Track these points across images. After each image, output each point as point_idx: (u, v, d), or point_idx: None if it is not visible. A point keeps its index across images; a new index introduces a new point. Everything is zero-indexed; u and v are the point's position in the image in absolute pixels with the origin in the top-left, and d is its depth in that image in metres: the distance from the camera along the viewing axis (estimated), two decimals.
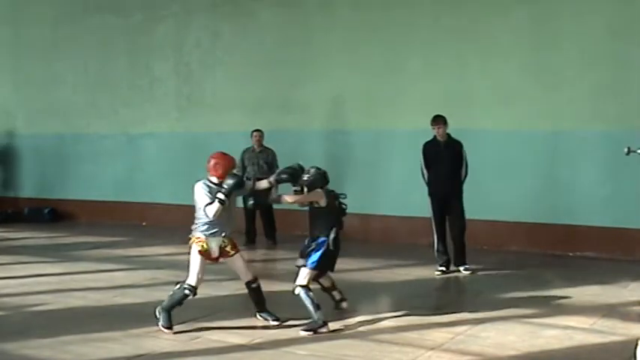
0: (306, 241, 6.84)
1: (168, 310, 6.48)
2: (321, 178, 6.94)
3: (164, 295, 7.46)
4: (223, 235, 6.62)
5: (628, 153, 7.22)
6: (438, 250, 9.18)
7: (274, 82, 12.61)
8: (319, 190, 6.84)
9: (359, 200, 11.98)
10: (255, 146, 11.42)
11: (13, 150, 15.59)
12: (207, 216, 6.45)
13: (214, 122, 13.13)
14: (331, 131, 12.16)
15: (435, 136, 9.11)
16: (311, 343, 6.09)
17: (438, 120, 9.05)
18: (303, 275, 6.68)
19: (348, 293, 8.11)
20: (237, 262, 6.79)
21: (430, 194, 9.17)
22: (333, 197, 6.91)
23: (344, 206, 7.00)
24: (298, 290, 6.62)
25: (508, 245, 10.61)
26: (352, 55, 11.90)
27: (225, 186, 6.46)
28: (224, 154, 6.83)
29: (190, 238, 6.60)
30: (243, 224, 11.45)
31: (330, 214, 6.84)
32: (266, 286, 8.58)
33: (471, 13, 11.02)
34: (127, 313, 7.08)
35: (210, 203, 6.44)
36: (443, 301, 8.14)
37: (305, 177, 6.81)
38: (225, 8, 13.14)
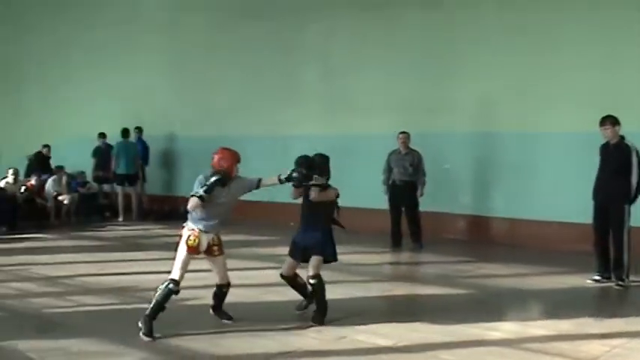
0: (317, 234, 6.73)
1: (153, 317, 6.26)
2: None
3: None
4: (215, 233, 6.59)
5: None
6: (596, 258, 8.72)
7: (420, 83, 12.47)
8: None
9: (508, 204, 11.71)
10: (401, 148, 11.33)
11: (172, 152, 16.30)
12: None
13: (361, 125, 13.15)
14: (479, 133, 11.89)
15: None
16: (458, 349, 5.94)
17: (605, 121, 8.55)
18: (317, 264, 6.66)
19: (498, 299, 7.91)
20: (219, 263, 6.77)
21: (593, 198, 8.71)
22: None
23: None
24: (315, 281, 6.58)
25: None
26: (500, 55, 11.57)
27: (207, 183, 6.40)
28: (227, 148, 6.67)
29: (184, 227, 6.55)
30: (389, 226, 11.40)
31: (332, 207, 6.83)
32: (410, 290, 8.54)
33: (626, 5, 10.41)
34: (276, 311, 7.18)
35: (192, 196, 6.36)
36: (598, 311, 7.71)
37: (317, 177, 6.63)
38: (372, 12, 13.13)
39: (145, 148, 15.75)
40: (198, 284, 8.34)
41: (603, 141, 8.66)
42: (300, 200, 6.94)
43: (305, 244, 6.78)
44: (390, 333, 6.35)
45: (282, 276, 7.03)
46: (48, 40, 18.12)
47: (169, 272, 9.06)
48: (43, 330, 6.50)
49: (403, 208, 11.33)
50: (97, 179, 16.01)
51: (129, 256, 10.59)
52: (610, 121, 8.53)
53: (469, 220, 11.99)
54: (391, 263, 10.48)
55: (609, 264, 8.60)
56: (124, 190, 15.25)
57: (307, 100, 14.01)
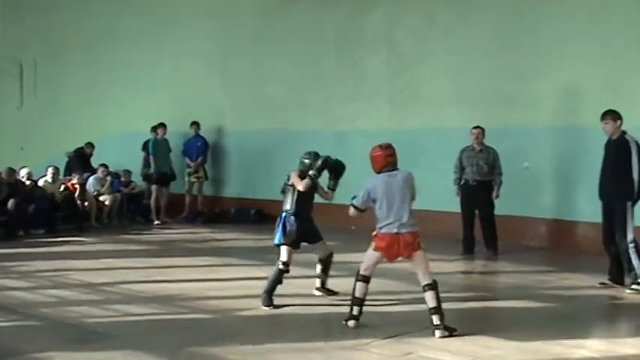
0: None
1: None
2: None
3: (382, 307, 7.55)
4: None
5: None
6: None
7: (497, 73, 12.33)
8: None
9: (595, 208, 11.40)
10: (475, 145, 11.23)
11: (222, 148, 16.45)
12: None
13: (429, 118, 13.07)
14: (562, 128, 11.70)
15: None
16: None
17: (605, 115, 8.79)
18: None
19: (582, 313, 7.78)
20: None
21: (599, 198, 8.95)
22: None
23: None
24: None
25: None
26: (589, 41, 11.34)
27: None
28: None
29: (418, 233, 6.87)
30: (460, 231, 11.32)
31: None
32: (484, 302, 8.47)
33: None
34: (334, 324, 7.18)
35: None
36: None
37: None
38: None
39: (204, 144, 15.93)
40: (249, 293, 8.44)
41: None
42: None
43: (307, 230, 8.02)
44: (461, 350, 6.30)
45: (286, 265, 7.84)
46: (89, 29, 18.48)
47: (219, 280, 9.25)
48: (82, 341, 6.62)
49: (477, 211, 11.25)
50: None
51: (175, 261, 10.74)
52: (610, 115, 8.72)
53: (551, 225, 11.82)
54: (463, 272, 10.39)
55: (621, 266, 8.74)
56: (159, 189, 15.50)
57: (369, 92, 13.99)
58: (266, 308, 7.70)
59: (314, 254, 8.34)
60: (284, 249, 7.85)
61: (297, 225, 7.87)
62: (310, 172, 7.87)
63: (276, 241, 7.93)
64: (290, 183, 7.98)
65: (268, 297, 7.77)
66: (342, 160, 8.17)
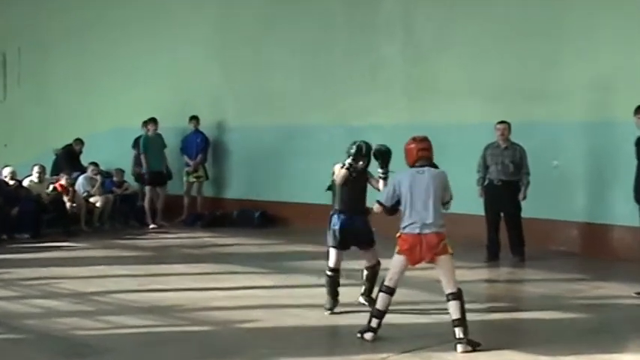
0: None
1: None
2: None
3: (399, 318, 7.50)
4: None
5: None
6: None
7: (522, 62, 12.29)
8: None
9: (632, 209, 11.40)
10: (500, 142, 11.20)
11: (223, 145, 16.44)
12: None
13: (449, 112, 13.02)
14: (595, 123, 11.65)
15: None
16: None
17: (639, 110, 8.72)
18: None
19: (618, 326, 7.76)
20: None
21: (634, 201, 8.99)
22: None
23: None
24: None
25: None
26: (624, 28, 11.32)
27: None
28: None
29: (444, 235, 6.91)
30: (484, 236, 11.29)
31: None
32: (509, 313, 8.45)
33: None
34: (351, 337, 7.10)
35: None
36: None
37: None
38: None
39: (204, 141, 15.92)
40: (253, 304, 8.44)
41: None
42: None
43: (356, 229, 7.87)
44: None
45: (333, 270, 7.82)
46: (79, 15, 18.47)
47: (220, 289, 9.24)
48: (71, 355, 6.63)
49: (502, 214, 11.22)
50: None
51: (172, 269, 10.77)
52: None
53: (582, 229, 11.77)
54: (487, 280, 10.37)
55: None
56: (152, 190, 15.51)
57: (382, 83, 13.95)
58: (326, 313, 7.82)
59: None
60: (332, 252, 7.88)
61: (343, 223, 7.80)
62: (346, 161, 7.74)
63: (328, 244, 7.95)
64: (334, 178, 7.90)
65: (332, 300, 7.89)
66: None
